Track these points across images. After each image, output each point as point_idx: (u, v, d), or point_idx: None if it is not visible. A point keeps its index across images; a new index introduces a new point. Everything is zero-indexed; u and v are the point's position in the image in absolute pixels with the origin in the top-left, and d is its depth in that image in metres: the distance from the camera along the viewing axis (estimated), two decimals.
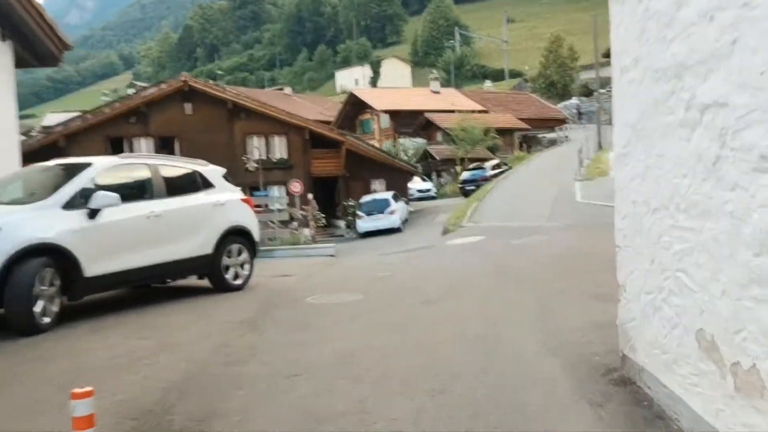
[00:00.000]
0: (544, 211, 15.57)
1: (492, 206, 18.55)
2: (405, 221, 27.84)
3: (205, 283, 8.08)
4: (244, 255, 8.33)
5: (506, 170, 32.89)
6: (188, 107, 27.02)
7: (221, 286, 7.98)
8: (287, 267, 11.00)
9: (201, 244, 7.68)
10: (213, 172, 8.70)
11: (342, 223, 29.17)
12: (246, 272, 8.34)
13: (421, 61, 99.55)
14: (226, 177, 8.97)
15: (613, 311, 3.99)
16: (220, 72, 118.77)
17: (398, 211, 26.13)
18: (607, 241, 8.61)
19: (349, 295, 7.02)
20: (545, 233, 11.46)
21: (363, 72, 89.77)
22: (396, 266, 10.02)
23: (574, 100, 59.93)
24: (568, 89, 64.25)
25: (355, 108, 49.57)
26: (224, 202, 8.30)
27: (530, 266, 7.78)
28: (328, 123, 44.70)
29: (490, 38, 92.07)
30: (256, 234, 8.73)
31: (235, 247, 8.19)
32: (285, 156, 28.41)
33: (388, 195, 26.86)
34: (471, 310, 5.53)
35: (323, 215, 28.60)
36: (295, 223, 17.39)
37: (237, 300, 7.40)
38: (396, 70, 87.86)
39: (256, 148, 24.84)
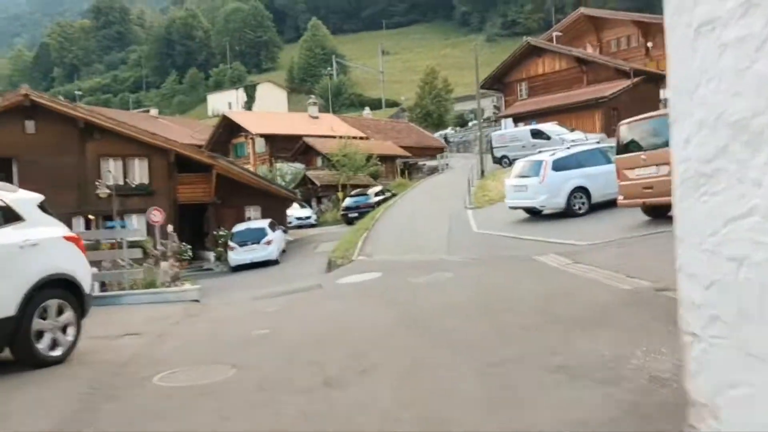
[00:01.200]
0: (441, 243, 14.35)
1: (383, 236, 17.09)
2: (283, 252, 25.79)
3: (7, 355, 5.72)
4: (67, 314, 6.05)
5: (390, 197, 31.90)
6: (30, 125, 23.34)
7: (31, 360, 5.66)
8: (136, 319, 8.67)
9: None
10: (23, 200, 6.38)
11: (212, 255, 26.47)
12: (70, 338, 6.06)
13: (298, 87, 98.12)
14: (44, 207, 6.64)
15: (596, 398, 3.05)
16: (79, 93, 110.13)
17: (275, 241, 24.04)
18: (524, 280, 7.21)
19: (216, 371, 5.04)
20: (450, 269, 10.08)
21: (237, 95, 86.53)
22: (277, 317, 8.11)
23: (449, 130, 61.38)
24: (443, 119, 65.79)
25: (228, 131, 46.78)
26: (37, 242, 6.01)
27: (450, 316, 6.23)
28: (199, 146, 41.69)
29: (367, 68, 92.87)
30: (87, 284, 6.47)
31: (53, 304, 5.91)
32: (146, 181, 25.30)
33: (264, 223, 24.68)
34: (395, 401, 3.80)
35: (189, 246, 25.81)
36: (151, 260, 14.74)
37: (50, 383, 5.14)
38: (271, 95, 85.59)
39: (109, 172, 21.66)
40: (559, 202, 14.63)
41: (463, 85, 75.64)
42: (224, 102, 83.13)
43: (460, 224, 16.71)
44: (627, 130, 11.95)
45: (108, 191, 20.51)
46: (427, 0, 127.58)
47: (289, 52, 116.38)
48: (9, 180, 23.75)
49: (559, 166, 14.78)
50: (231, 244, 23.90)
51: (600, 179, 14.49)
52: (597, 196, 14.62)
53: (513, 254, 11.14)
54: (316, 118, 49.38)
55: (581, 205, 14.71)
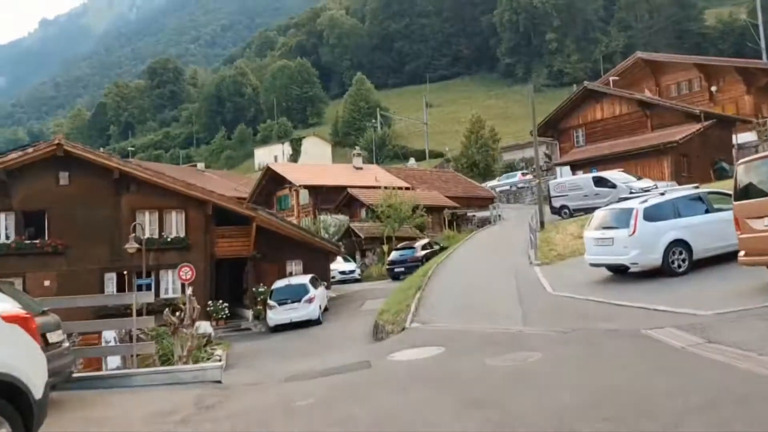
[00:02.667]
0: (512, 308, 11.98)
1: (440, 298, 14.76)
2: (325, 310, 23.75)
3: None
4: None
5: (438, 250, 29.64)
6: (64, 176, 22.42)
7: None
8: (128, 417, 6.64)
9: None
10: None
11: (250, 314, 24.59)
12: None
13: (342, 141, 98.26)
14: None
15: None
16: (132, 149, 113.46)
17: (317, 298, 22.05)
18: (651, 371, 4.85)
19: None
20: (535, 347, 7.81)
21: (283, 149, 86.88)
22: (311, 417, 5.94)
23: (495, 181, 59.09)
24: (490, 169, 63.64)
25: (272, 183, 45.76)
26: None
27: None
28: (242, 199, 40.74)
29: (411, 119, 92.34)
30: (37, 386, 4.48)
31: None
32: (182, 234, 23.87)
33: (305, 279, 22.78)
34: None
35: (226, 305, 24.11)
36: (169, 328, 12.77)
37: None
38: (317, 149, 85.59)
39: (139, 225, 20.27)
40: (655, 258, 12.17)
41: (508, 134, 73.88)
42: (271, 156, 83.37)
43: (530, 284, 14.28)
44: (747, 170, 9.58)
45: (137, 246, 19.05)
46: (470, 53, 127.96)
47: (334, 108, 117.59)
48: (40, 234, 22.78)
49: (652, 215, 12.39)
50: (270, 302, 22.03)
51: (702, 231, 12.04)
52: (699, 251, 12.14)
53: (612, 327, 8.76)
54: (360, 169, 48.00)
55: (681, 262, 12.21)
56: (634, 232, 12.24)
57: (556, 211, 29.60)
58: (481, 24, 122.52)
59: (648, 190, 20.97)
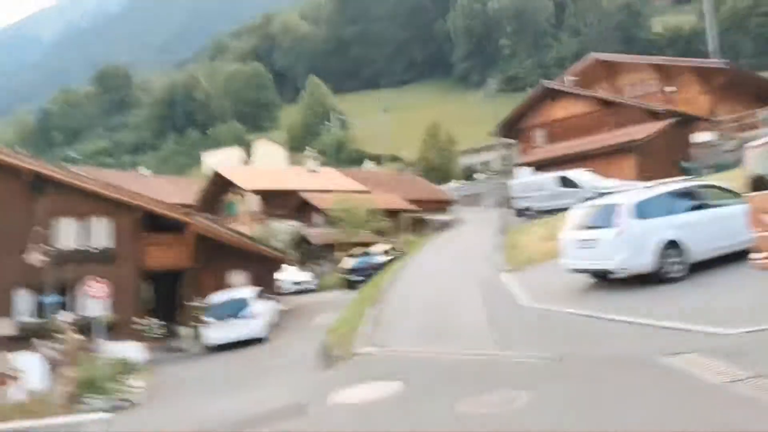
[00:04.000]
0: (481, 325, 10.01)
1: (398, 313, 12.67)
2: (275, 325, 21.42)
3: None
4: None
5: (397, 256, 27.65)
6: None
7: None
8: None
9: None
10: None
11: (186, 332, 21.99)
12: None
13: (298, 146, 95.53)
14: None
15: None
16: (76, 156, 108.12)
17: (262, 313, 19.71)
18: None
19: None
20: (518, 382, 5.88)
21: (234, 154, 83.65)
22: None
23: (452, 184, 57.86)
24: (449, 173, 62.41)
25: (219, 188, 42.96)
26: None
27: None
28: (189, 206, 37.94)
29: (366, 122, 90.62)
30: None
31: None
32: (109, 243, 21.15)
33: (248, 292, 20.40)
34: None
35: (157, 323, 21.50)
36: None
37: None
38: (270, 153, 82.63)
39: (43, 232, 17.58)
40: (644, 263, 10.41)
41: (465, 139, 72.95)
42: (220, 161, 79.99)
43: (500, 294, 12.36)
44: (764, 157, 7.86)
45: (41, 258, 16.38)
46: (426, 58, 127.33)
47: (289, 113, 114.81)
48: None
49: (642, 211, 10.63)
50: (207, 319, 19.53)
51: (701, 229, 10.34)
52: (698, 253, 10.44)
53: (613, 351, 6.86)
54: (315, 171, 45.62)
55: (675, 266, 10.48)
56: (621, 231, 10.46)
57: (520, 212, 28.13)
58: (435, 30, 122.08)
59: (604, 193, 19.67)
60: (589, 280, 11.82)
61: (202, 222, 21.99)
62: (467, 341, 9.01)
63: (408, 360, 8.55)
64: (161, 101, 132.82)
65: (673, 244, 10.38)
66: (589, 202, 12.77)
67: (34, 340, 9.73)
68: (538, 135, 38.24)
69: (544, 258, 15.19)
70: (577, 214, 11.99)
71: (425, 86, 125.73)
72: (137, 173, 64.03)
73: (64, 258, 20.39)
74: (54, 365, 9.95)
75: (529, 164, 36.16)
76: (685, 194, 11.20)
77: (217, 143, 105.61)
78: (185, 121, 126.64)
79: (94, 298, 14.24)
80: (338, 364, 10.09)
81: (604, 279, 11.55)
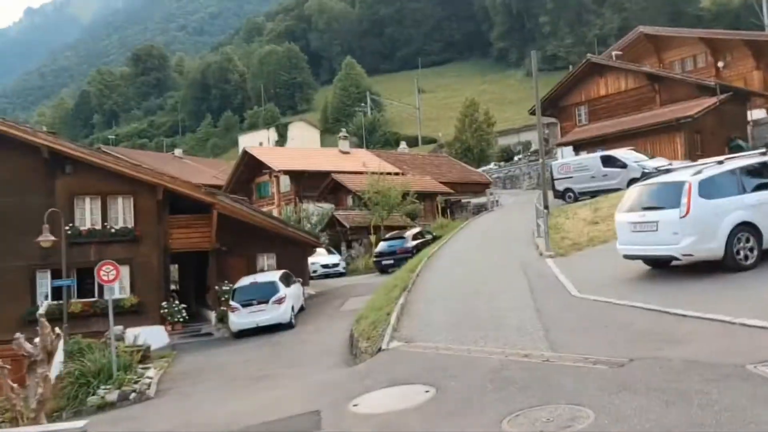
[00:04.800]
0: (528, 318, 8.78)
1: (431, 302, 11.49)
2: (302, 309, 20.62)
3: None
4: None
5: (431, 240, 26.46)
6: None
7: None
8: None
9: None
10: None
11: (213, 315, 21.35)
12: None
13: (331, 127, 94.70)
14: None
15: None
16: (112, 137, 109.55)
17: (289, 297, 18.87)
18: None
19: None
20: (578, 394, 4.72)
21: (268, 135, 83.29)
22: None
23: (490, 165, 56.18)
24: (485, 154, 60.54)
25: (250, 170, 42.33)
26: None
27: None
28: (219, 188, 37.57)
29: (402, 104, 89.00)
30: None
31: None
32: (130, 224, 20.55)
33: (275, 276, 19.57)
34: None
35: (183, 306, 20.93)
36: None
37: None
38: (304, 134, 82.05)
39: (57, 211, 16.95)
40: (713, 248, 9.03)
41: (503, 120, 70.87)
42: (255, 143, 79.73)
43: (546, 283, 11.07)
44: None
45: (52, 238, 15.75)
46: (463, 38, 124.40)
47: (323, 94, 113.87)
48: None
49: (710, 190, 9.22)
50: (232, 303, 18.79)
51: None
52: None
53: (689, 355, 5.60)
54: (347, 153, 44.53)
55: (748, 252, 9.08)
56: (687, 212, 9.08)
57: (560, 194, 26.60)
58: (474, 8, 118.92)
59: (665, 170, 17.99)
60: (644, 267, 10.48)
61: (226, 202, 21.18)
62: (511, 338, 7.80)
63: (440, 359, 7.42)
64: (196, 83, 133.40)
65: (745, 227, 8.97)
66: (648, 180, 11.33)
67: (17, 334, 8.90)
68: (581, 113, 36.34)
69: (591, 242, 13.83)
70: (633, 193, 10.61)
71: (462, 66, 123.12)
72: (172, 155, 64.23)
73: (85, 239, 19.92)
74: (31, 365, 9.07)
75: (570, 144, 34.46)
76: (757, 171, 9.73)
77: (252, 125, 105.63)
78: (221, 103, 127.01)
79: (106, 283, 13.54)
80: (363, 360, 9.04)
81: (662, 266, 10.20)
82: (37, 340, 8.97)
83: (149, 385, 12.18)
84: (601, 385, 5.10)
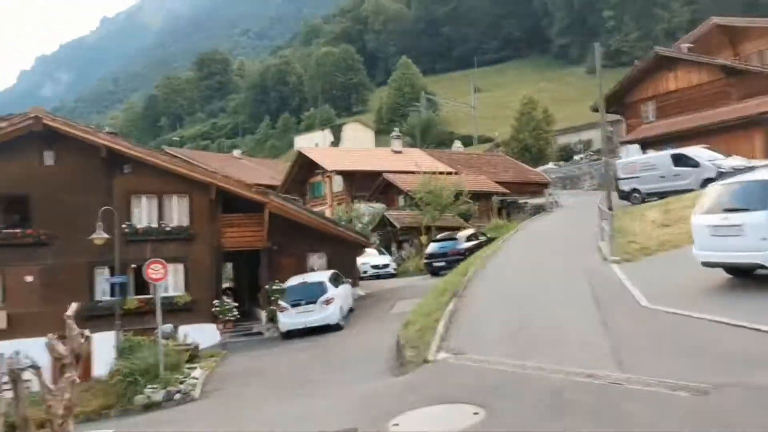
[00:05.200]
0: (592, 331, 7.95)
1: (483, 310, 10.72)
2: (351, 311, 20.23)
3: None
4: None
5: (484, 242, 25.57)
6: (49, 156, 19.47)
7: None
8: None
9: None
10: None
11: (264, 314, 21.22)
12: None
13: (386, 128, 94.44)
14: None
15: None
16: (178, 139, 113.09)
17: (338, 298, 18.50)
18: None
19: None
20: (657, 428, 3.83)
21: (323, 136, 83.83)
22: None
23: (549, 165, 54.49)
24: (544, 153, 58.78)
25: (304, 170, 42.45)
26: None
27: None
28: (274, 188, 37.80)
29: (457, 103, 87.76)
30: None
31: None
32: (185, 223, 20.67)
33: (324, 276, 19.24)
34: None
35: (234, 305, 20.89)
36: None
37: None
38: (358, 135, 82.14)
39: (112, 210, 17.08)
40: None
41: (563, 118, 68.72)
42: (311, 143, 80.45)
43: (612, 291, 10.14)
44: None
45: (105, 236, 15.86)
46: (521, 35, 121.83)
47: (379, 95, 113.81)
48: (26, 222, 20.00)
49: None
50: (282, 303, 18.58)
51: None
52: None
53: None
54: (399, 152, 44.00)
55: None
56: None
57: (625, 195, 25.20)
58: (533, 4, 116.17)
59: (745, 169, 16.57)
60: (724, 275, 9.42)
61: (278, 202, 21.01)
62: (572, 354, 7.00)
63: (492, 375, 6.72)
64: (256, 86, 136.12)
65: None
66: (728, 180, 10.24)
67: (49, 335, 8.75)
68: (648, 109, 34.52)
69: (662, 247, 12.74)
70: (712, 193, 9.57)
71: (520, 64, 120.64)
72: (232, 156, 65.39)
73: (141, 237, 20.14)
74: (60, 365, 8.88)
75: (636, 141, 32.77)
76: None
77: (308, 126, 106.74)
78: (279, 105, 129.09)
79: (155, 281, 13.47)
80: (408, 370, 8.43)
81: (745, 275, 9.14)
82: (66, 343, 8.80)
83: (194, 386, 11.99)
84: (683, 416, 4.32)
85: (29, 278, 18.86)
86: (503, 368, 6.97)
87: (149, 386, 11.95)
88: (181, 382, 12.13)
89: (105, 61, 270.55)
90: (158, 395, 11.66)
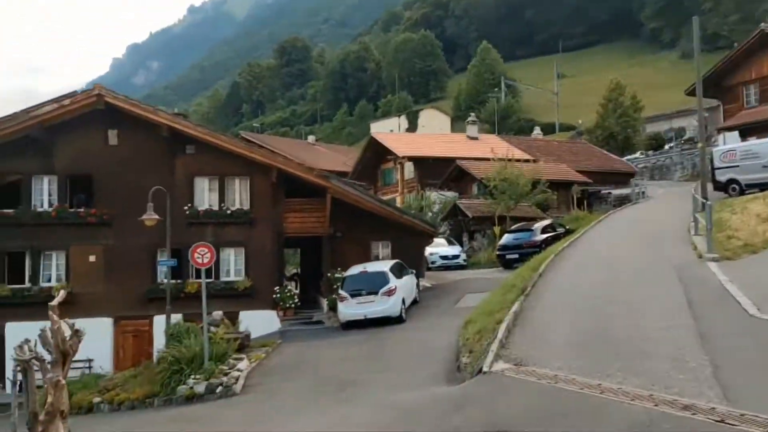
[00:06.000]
0: (685, 344, 6.48)
1: (553, 312, 9.21)
2: (414, 303, 19.16)
3: None
4: None
5: (562, 234, 23.76)
6: (113, 135, 19.45)
7: None
8: None
9: None
10: None
11: (325, 303, 20.49)
12: None
13: (464, 115, 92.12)
14: None
15: None
16: (258, 126, 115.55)
17: (400, 289, 17.45)
18: None
19: None
20: None
21: (398, 122, 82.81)
22: None
23: (638, 154, 51.05)
24: (630, 142, 55.10)
25: (376, 156, 41.57)
26: None
27: None
28: (342, 173, 37.24)
29: (539, 89, 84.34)
30: None
31: None
32: (246, 206, 20.23)
33: (386, 266, 18.20)
34: None
35: (295, 292, 20.31)
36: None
37: None
38: (435, 122, 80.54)
39: (161, 189, 16.69)
40: None
41: (653, 105, 64.35)
42: (386, 130, 79.69)
43: (710, 295, 8.51)
44: None
45: (155, 217, 15.47)
46: (609, 19, 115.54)
47: (457, 82, 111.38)
48: (88, 202, 20.15)
49: None
50: (341, 292, 17.74)
51: None
52: None
53: None
54: (475, 139, 42.26)
55: None
56: None
57: (722, 186, 22.71)
58: None
59: None
60: None
61: (340, 187, 20.15)
62: (663, 374, 5.57)
63: (559, 396, 5.42)
64: (335, 73, 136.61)
65: None
66: None
67: (41, 327, 8.11)
68: (750, 93, 31.20)
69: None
70: None
71: (607, 49, 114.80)
72: (306, 142, 65.67)
73: (202, 219, 19.86)
74: (24, 369, 8.11)
75: (735, 128, 29.68)
76: None
77: (385, 113, 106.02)
78: (357, 92, 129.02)
79: (200, 266, 12.88)
80: (462, 378, 7.21)
81: None
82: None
83: (237, 379, 11.31)
84: None
85: (92, 258, 18.97)
86: (573, 388, 5.64)
87: (193, 377, 11.40)
88: (225, 374, 11.51)
89: (192, 49, 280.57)
90: (200, 387, 11.08)
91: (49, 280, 19.03)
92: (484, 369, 7.07)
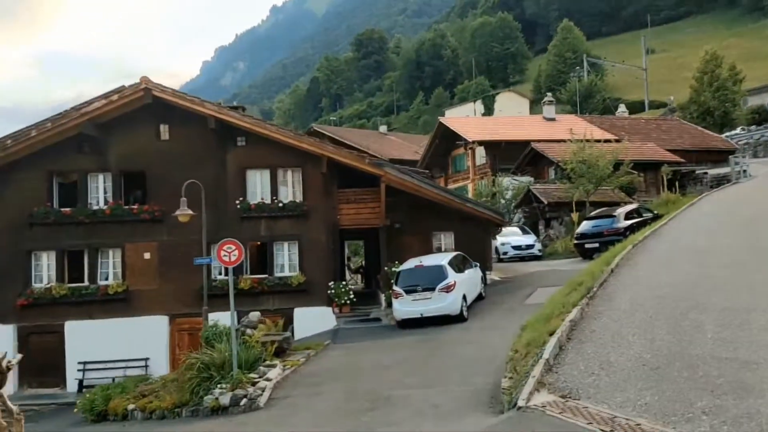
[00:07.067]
0: None
1: (623, 321, 7.13)
2: (480, 298, 17.59)
3: None
4: None
5: (650, 219, 21.27)
6: (164, 130, 19.04)
7: None
8: None
9: None
10: None
11: (383, 299, 19.27)
12: None
13: (544, 97, 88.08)
14: None
15: None
16: (336, 119, 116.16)
17: (460, 284, 15.92)
18: None
19: None
20: None
21: (474, 108, 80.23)
22: None
23: (738, 130, 46.26)
24: (729, 117, 50.13)
25: (446, 142, 39.87)
26: None
27: None
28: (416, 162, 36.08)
29: (625, 66, 79.07)
30: None
31: None
32: (299, 198, 19.31)
33: (444, 259, 16.67)
34: None
35: (350, 287, 19.23)
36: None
37: None
38: (512, 105, 77.28)
39: (196, 182, 15.91)
40: None
41: (754, 78, 58.55)
42: (461, 116, 77.40)
43: None
44: None
45: (189, 213, 14.69)
46: None
47: (538, 63, 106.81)
48: (142, 199, 19.90)
49: None
50: (395, 288, 16.41)
51: None
52: None
53: None
54: (552, 120, 39.54)
55: None
56: None
57: None
58: None
59: None
60: None
61: (394, 174, 18.81)
62: None
63: None
64: (411, 62, 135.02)
65: None
66: None
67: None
68: None
69: None
70: None
71: (702, 20, 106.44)
72: (378, 132, 64.78)
73: (255, 213, 19.14)
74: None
75: None
76: None
77: (462, 100, 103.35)
78: (433, 81, 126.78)
79: (227, 264, 11.91)
80: (499, 414, 5.65)
81: None
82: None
83: (264, 390, 10.25)
84: None
85: (147, 255, 18.70)
86: None
87: (219, 386, 10.48)
88: (253, 384, 10.51)
89: (275, 48, 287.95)
90: (225, 398, 10.14)
91: (107, 279, 18.95)
92: (519, 403, 5.47)
